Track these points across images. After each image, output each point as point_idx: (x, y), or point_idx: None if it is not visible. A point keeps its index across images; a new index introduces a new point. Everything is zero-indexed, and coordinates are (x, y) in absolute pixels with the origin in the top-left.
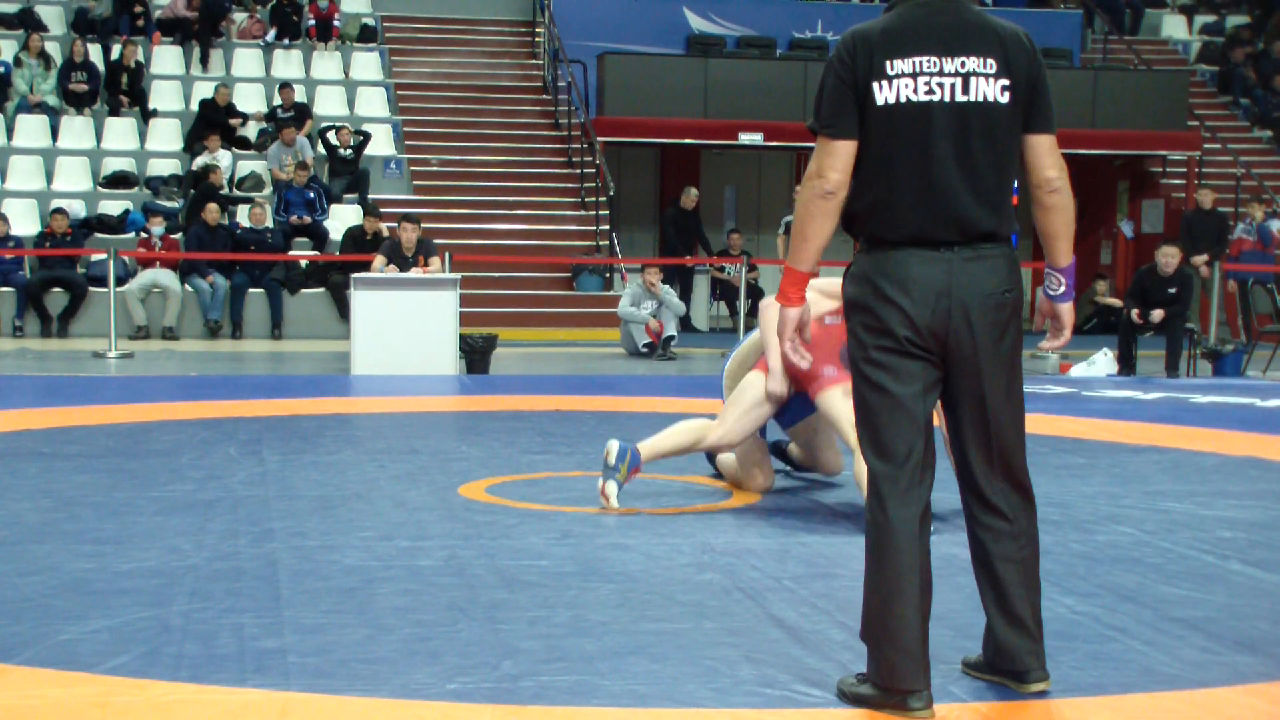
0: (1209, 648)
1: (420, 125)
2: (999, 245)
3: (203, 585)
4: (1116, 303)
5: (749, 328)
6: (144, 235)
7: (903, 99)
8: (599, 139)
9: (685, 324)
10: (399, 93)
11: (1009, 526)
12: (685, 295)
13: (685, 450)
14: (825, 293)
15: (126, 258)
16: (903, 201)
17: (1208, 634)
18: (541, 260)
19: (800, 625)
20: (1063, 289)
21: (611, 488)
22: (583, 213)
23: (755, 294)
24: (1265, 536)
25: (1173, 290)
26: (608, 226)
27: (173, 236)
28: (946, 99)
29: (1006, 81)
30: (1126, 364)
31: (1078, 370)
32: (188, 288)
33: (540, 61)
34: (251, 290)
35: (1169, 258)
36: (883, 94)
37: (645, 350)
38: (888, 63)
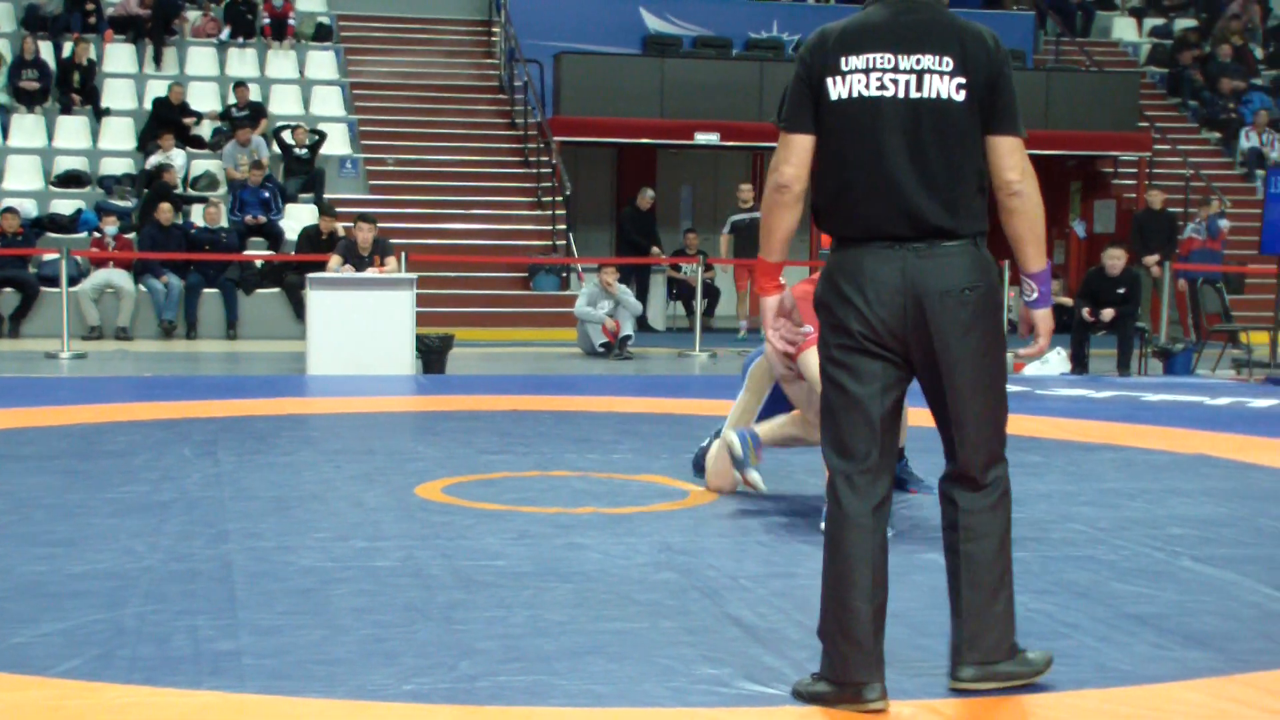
0: (1160, 644)
1: (376, 125)
2: (958, 241)
3: (157, 587)
4: (1069, 302)
5: (706, 328)
6: (97, 235)
7: (855, 94)
8: (555, 139)
9: (642, 324)
10: (355, 92)
11: (959, 518)
12: (642, 295)
13: (798, 442)
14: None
15: (79, 257)
16: (857, 196)
17: (1159, 630)
18: (498, 260)
19: (757, 624)
20: (1035, 295)
21: (754, 475)
22: (539, 212)
23: (711, 293)
24: (1215, 533)
25: (1122, 290)
26: (564, 226)
27: (126, 236)
28: (901, 95)
29: (962, 80)
30: (1079, 363)
31: (1031, 369)
32: (141, 288)
33: (497, 61)
34: (206, 290)
35: (1115, 259)
36: (836, 89)
37: (602, 350)
38: (843, 59)
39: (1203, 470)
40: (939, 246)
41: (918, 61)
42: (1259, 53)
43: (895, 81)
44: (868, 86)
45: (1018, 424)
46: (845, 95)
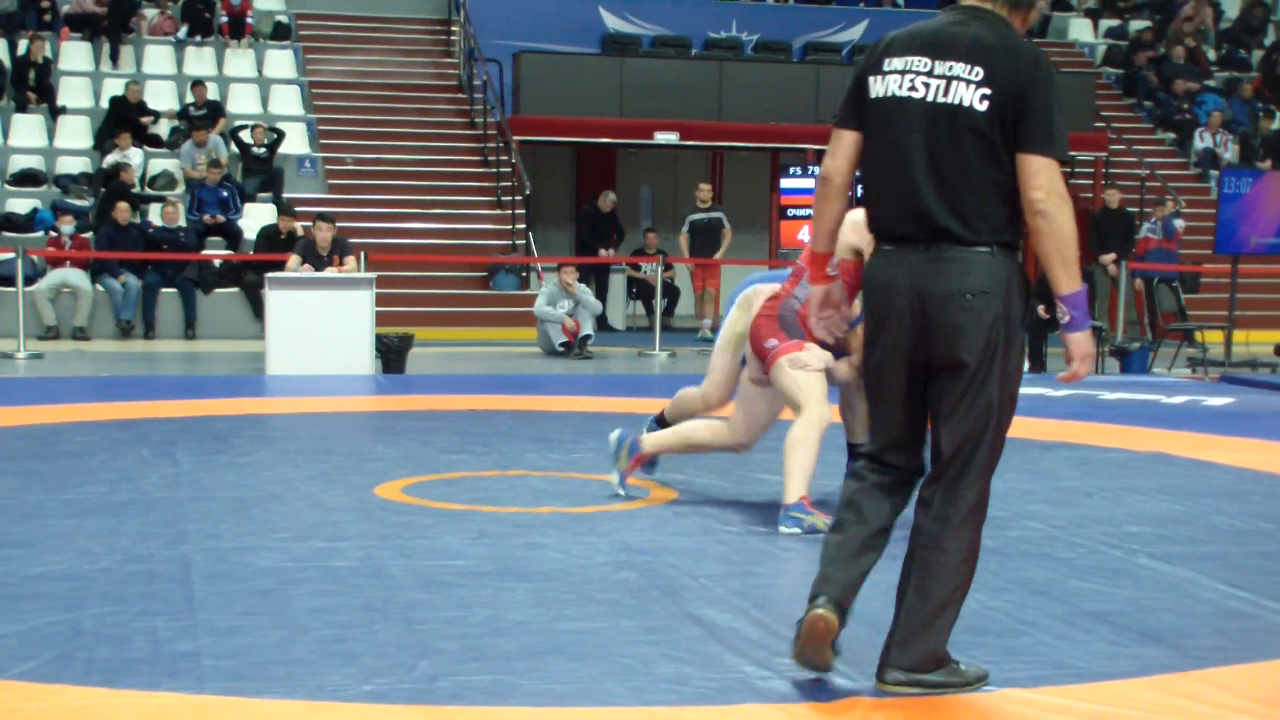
0: (1117, 640)
1: (335, 124)
2: (966, 248)
3: (115, 588)
4: None
5: (666, 327)
6: (53, 234)
7: (889, 93)
8: (515, 138)
9: (602, 323)
10: (313, 91)
11: (926, 524)
12: (601, 294)
13: (701, 449)
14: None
15: (35, 257)
16: (881, 193)
17: (1115, 627)
18: (457, 259)
19: (717, 622)
20: (1066, 318)
21: (614, 477)
22: (499, 212)
23: (671, 293)
24: (1171, 531)
25: None
26: (524, 226)
27: (83, 235)
28: (928, 98)
29: (988, 91)
30: (1037, 361)
31: None
32: (99, 287)
33: (456, 60)
34: (164, 290)
35: None
36: (875, 88)
37: (562, 349)
38: (886, 60)
39: (1159, 468)
40: (946, 250)
41: (950, 68)
42: (1212, 54)
43: (926, 85)
44: (900, 87)
45: None
46: (881, 94)
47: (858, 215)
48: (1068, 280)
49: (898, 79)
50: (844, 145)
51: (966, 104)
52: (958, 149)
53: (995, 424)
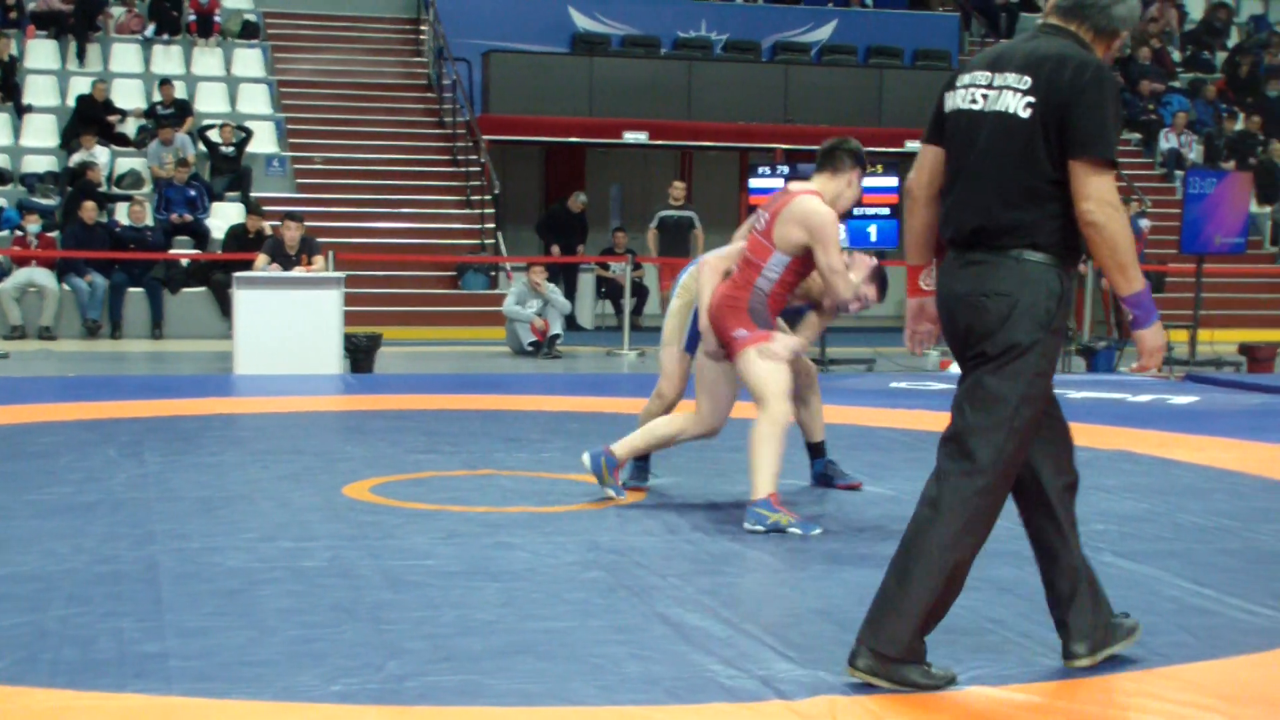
0: None
1: (303, 123)
2: (995, 253)
3: (81, 589)
4: None
5: (635, 326)
6: (19, 233)
7: (956, 107)
8: (484, 137)
9: (571, 322)
10: (282, 90)
11: (921, 505)
12: (570, 294)
13: (671, 441)
14: (727, 257)
15: (1, 256)
16: (947, 201)
17: None
18: (426, 259)
19: (685, 622)
20: (1131, 317)
21: (610, 491)
22: (468, 211)
23: (640, 292)
24: (1136, 529)
25: None
26: (493, 225)
27: (49, 234)
28: (984, 109)
29: (1033, 99)
30: None
31: (957, 367)
32: (65, 287)
33: (425, 59)
34: (131, 289)
35: None
36: (947, 104)
37: (531, 349)
38: (959, 77)
39: (1124, 466)
40: (977, 254)
41: (1004, 79)
42: (1176, 56)
43: (984, 96)
44: (964, 100)
45: (942, 422)
46: (951, 108)
47: (808, 208)
48: (1125, 283)
49: (964, 93)
50: (923, 159)
51: (1012, 111)
52: (1002, 156)
53: (1008, 424)
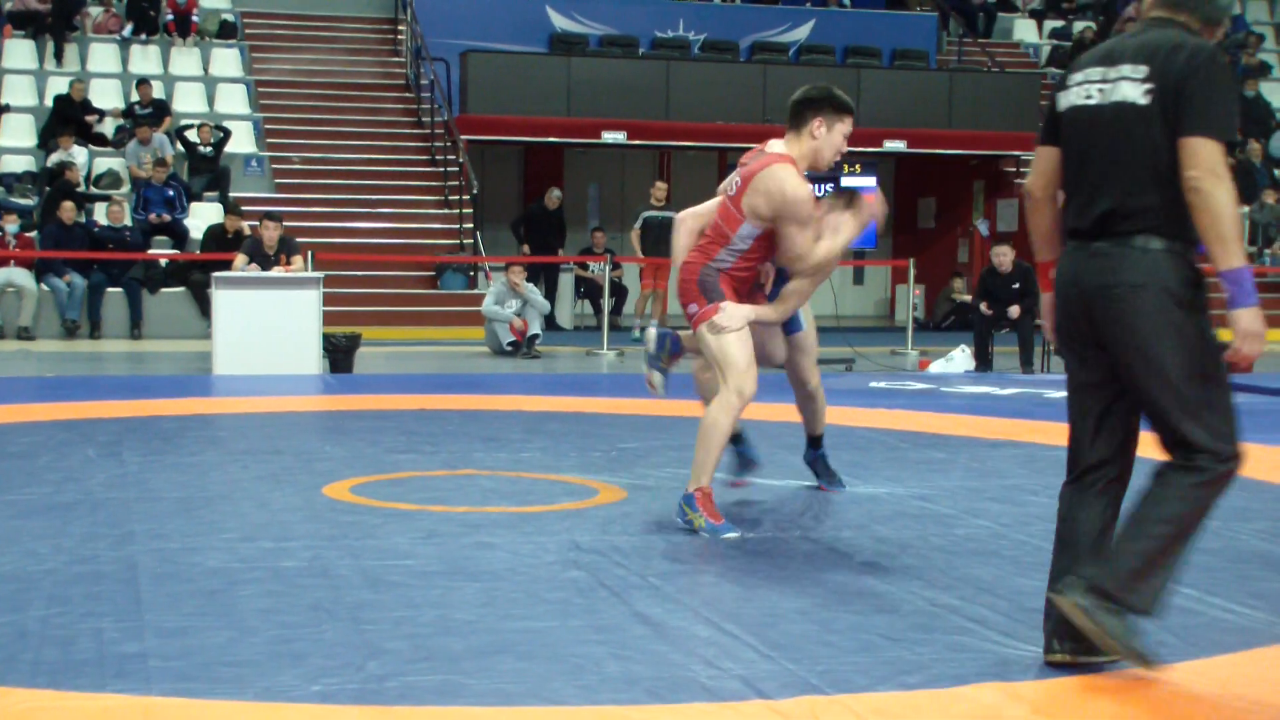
0: None
1: (281, 123)
2: (1121, 241)
3: (61, 589)
4: (968, 299)
5: (614, 326)
6: None
7: (1071, 104)
8: (462, 137)
9: (550, 322)
10: (260, 90)
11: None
12: (550, 293)
13: (727, 438)
14: (702, 215)
15: None
16: (1066, 195)
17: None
18: (405, 259)
19: (665, 621)
20: (1227, 295)
21: (657, 377)
22: (446, 211)
23: (619, 292)
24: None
25: (1015, 285)
26: (472, 225)
27: (27, 234)
28: (1103, 102)
29: (1151, 85)
30: (983, 360)
31: (936, 366)
32: (44, 287)
33: (403, 59)
34: (110, 289)
35: (1002, 256)
36: (1062, 103)
37: (510, 349)
38: (1072, 75)
39: None
40: (1104, 244)
41: (1120, 71)
42: None
43: (1101, 90)
44: (1080, 97)
45: (923, 421)
46: (1066, 106)
47: (774, 182)
48: (1224, 256)
49: (1079, 90)
50: (1039, 160)
51: (1130, 100)
52: (1124, 145)
53: (1178, 399)
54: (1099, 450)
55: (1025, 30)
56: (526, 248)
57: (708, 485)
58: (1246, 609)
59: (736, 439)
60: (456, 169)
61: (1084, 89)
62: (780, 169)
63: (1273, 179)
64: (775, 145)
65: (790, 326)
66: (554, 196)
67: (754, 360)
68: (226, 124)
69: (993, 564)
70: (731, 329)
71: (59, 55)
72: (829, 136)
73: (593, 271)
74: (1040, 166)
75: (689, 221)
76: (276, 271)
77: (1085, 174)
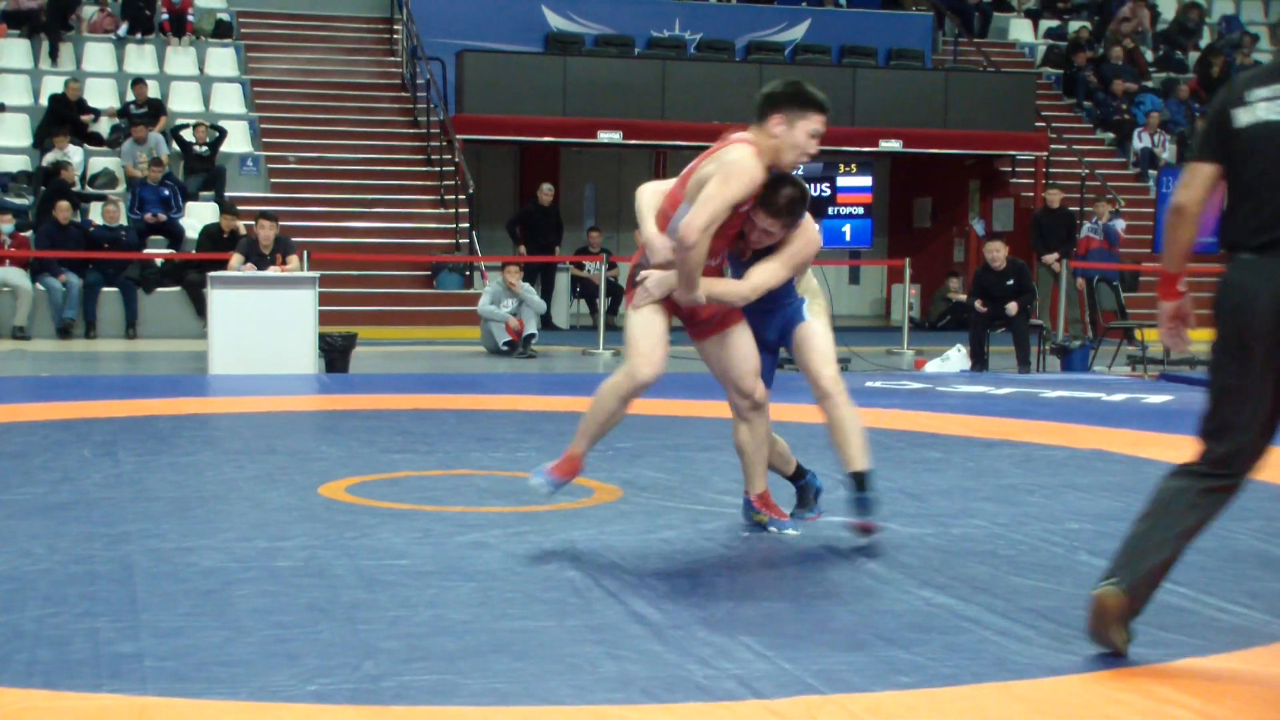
0: (1059, 636)
1: (277, 122)
2: None
3: (56, 590)
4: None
5: (609, 325)
6: None
7: (1258, 119)
8: (458, 137)
9: (546, 322)
10: (255, 89)
11: None
12: (546, 293)
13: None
14: (658, 193)
15: None
16: (1249, 209)
17: (1057, 623)
18: (401, 258)
19: (661, 621)
20: None
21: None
22: (442, 211)
23: (615, 292)
24: (1111, 527)
25: (1010, 283)
26: (467, 224)
27: (23, 234)
28: None
29: None
30: (979, 360)
31: (932, 366)
32: (39, 286)
33: (399, 58)
34: (105, 289)
35: (995, 253)
36: (1241, 118)
37: (506, 348)
38: (1249, 92)
39: (1099, 465)
40: None
41: None
42: (1149, 55)
43: None
44: (1270, 112)
45: (919, 420)
46: (1249, 121)
47: (729, 154)
48: None
49: (1266, 105)
50: (1201, 176)
51: None
52: None
53: None
54: (1259, 451)
55: (1021, 30)
56: (523, 248)
57: (581, 454)
58: (1242, 608)
59: (798, 474)
60: (452, 168)
61: (1275, 105)
62: (738, 147)
63: None
64: (739, 136)
65: (790, 318)
66: (545, 191)
67: (659, 347)
68: (222, 123)
69: (989, 563)
70: (653, 296)
71: (54, 54)
72: (789, 134)
73: (588, 271)
74: (1200, 183)
75: (648, 195)
76: (272, 271)
77: (1271, 187)
